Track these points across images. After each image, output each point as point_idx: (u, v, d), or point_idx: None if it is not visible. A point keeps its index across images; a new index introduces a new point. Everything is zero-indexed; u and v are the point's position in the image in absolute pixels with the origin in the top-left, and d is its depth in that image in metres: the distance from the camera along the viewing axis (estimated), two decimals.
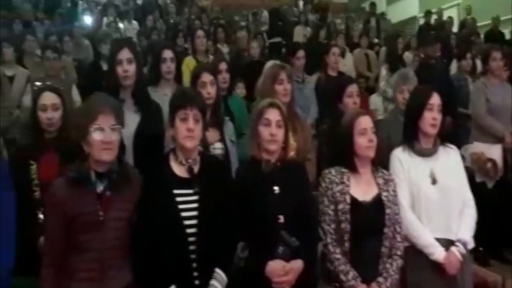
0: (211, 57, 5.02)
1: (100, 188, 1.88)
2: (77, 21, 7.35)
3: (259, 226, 2.05)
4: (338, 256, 2.16)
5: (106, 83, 2.74)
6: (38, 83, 3.19)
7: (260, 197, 2.09)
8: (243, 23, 9.67)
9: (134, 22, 8.30)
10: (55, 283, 1.84)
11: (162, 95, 3.02)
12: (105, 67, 4.74)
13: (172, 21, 9.01)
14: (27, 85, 4.03)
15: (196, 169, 2.03)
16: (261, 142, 2.18)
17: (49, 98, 2.49)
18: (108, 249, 1.86)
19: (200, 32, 5.02)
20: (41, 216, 2.38)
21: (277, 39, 8.71)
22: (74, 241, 1.84)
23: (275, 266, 2.01)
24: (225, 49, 6.47)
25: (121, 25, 7.93)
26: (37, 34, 5.43)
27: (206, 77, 2.73)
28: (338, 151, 2.34)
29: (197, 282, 1.93)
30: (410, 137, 2.46)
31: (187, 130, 1.97)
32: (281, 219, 2.08)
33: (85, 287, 1.83)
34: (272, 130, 2.15)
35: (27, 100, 3.83)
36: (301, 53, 4.46)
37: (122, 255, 1.90)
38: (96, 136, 1.84)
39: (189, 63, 4.49)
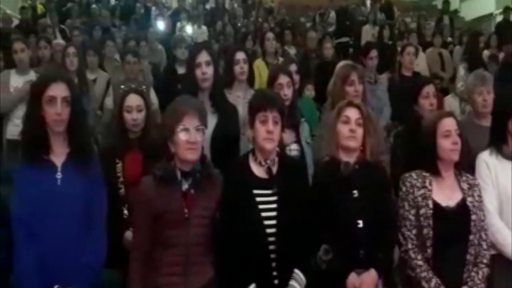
0: (280, 59, 5.04)
1: (185, 186, 1.94)
2: (151, 27, 7.66)
3: (339, 230, 2.04)
4: (420, 262, 2.10)
5: (184, 86, 2.83)
6: (122, 86, 3.37)
7: (339, 201, 2.08)
8: (308, 24, 9.66)
9: (203, 27, 8.51)
10: (142, 276, 1.92)
11: (235, 97, 3.09)
12: (180, 70, 4.96)
13: (239, 24, 9.16)
14: (108, 88, 4.26)
15: (274, 170, 2.05)
16: (339, 140, 2.17)
17: (134, 100, 2.61)
18: (192, 245, 1.92)
19: (269, 34, 5.06)
20: (125, 212, 2.51)
21: (345, 39, 8.63)
22: (161, 237, 1.91)
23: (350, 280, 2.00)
24: (292, 50, 6.47)
25: (189, 30, 8.14)
26: (114, 39, 5.70)
27: (283, 79, 2.75)
28: (419, 154, 2.27)
29: (276, 281, 1.95)
30: (498, 140, 2.34)
31: (267, 132, 1.99)
32: (360, 224, 2.05)
33: (170, 281, 1.90)
34: (351, 127, 2.14)
35: (109, 102, 4.05)
36: (373, 52, 4.36)
37: (205, 252, 1.96)
38: (181, 136, 1.90)
39: (259, 65, 4.54)
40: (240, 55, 3.19)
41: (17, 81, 3.89)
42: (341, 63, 3.69)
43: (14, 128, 3.73)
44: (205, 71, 2.63)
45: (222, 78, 3.02)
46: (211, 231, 1.98)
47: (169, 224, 1.90)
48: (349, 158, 2.17)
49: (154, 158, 2.31)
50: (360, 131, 2.17)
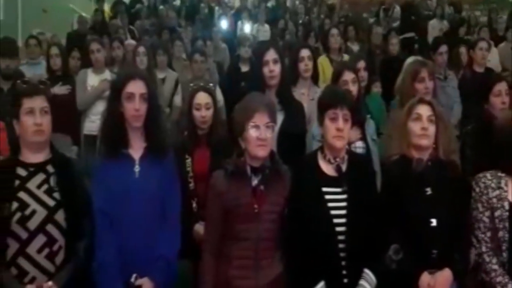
0: (344, 55, 4.98)
1: (254, 182, 1.98)
2: (214, 26, 7.82)
3: (411, 229, 2.00)
4: (495, 267, 2.02)
5: (250, 83, 2.87)
6: (191, 84, 3.46)
7: (411, 199, 2.04)
8: (371, 20, 9.45)
9: (266, 25, 8.57)
10: (214, 268, 1.98)
11: (299, 95, 3.09)
12: (243, 68, 5.04)
13: (301, 21, 9.13)
14: (176, 86, 4.41)
15: (344, 167, 2.05)
16: (411, 138, 2.12)
17: (202, 98, 2.69)
18: (262, 240, 1.95)
19: (334, 30, 4.98)
20: (194, 205, 2.60)
21: (410, 35, 8.35)
22: (231, 230, 1.97)
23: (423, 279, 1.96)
24: (355, 47, 6.37)
25: (250, 29, 8.22)
26: (182, 39, 5.88)
27: (348, 76, 2.73)
28: (494, 154, 2.18)
29: (345, 280, 1.95)
30: None
31: (337, 130, 1.99)
32: (434, 222, 2.00)
33: (240, 274, 1.94)
34: (423, 124, 2.09)
35: (177, 100, 4.20)
36: (443, 48, 4.21)
37: (274, 247, 1.99)
38: (252, 133, 1.94)
39: (322, 62, 4.50)
40: (305, 52, 3.21)
41: (94, 80, 4.09)
42: (410, 59, 3.59)
43: (90, 124, 3.97)
44: (273, 68, 2.66)
45: (288, 76, 3.04)
46: (279, 227, 2.01)
47: (239, 218, 1.95)
48: (422, 156, 2.11)
49: (221, 154, 2.40)
50: (432, 129, 2.11)
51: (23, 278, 1.85)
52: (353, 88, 2.69)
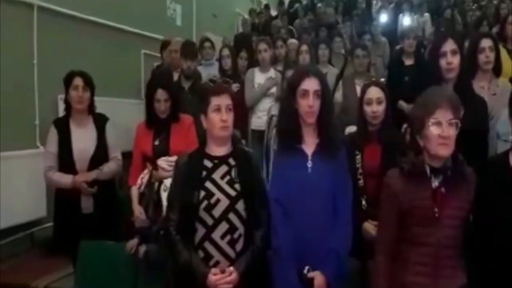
0: None
1: (435, 183, 1.85)
2: (373, 20, 7.61)
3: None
4: None
5: (427, 77, 2.70)
6: (357, 80, 3.42)
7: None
8: None
9: (426, 14, 8.08)
10: (388, 271, 1.90)
11: (479, 88, 2.83)
12: (407, 62, 4.80)
13: (467, 9, 8.36)
14: (337, 82, 4.39)
15: None
16: None
17: (374, 92, 2.62)
18: (443, 247, 1.82)
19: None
20: (364, 203, 2.54)
21: None
22: (409, 233, 1.86)
23: None
24: None
25: (408, 21, 7.81)
26: (341, 35, 5.84)
27: None
28: None
29: None
30: None
31: None
32: None
33: (419, 281, 1.83)
34: None
35: (338, 96, 4.18)
36: None
37: (456, 255, 1.84)
38: (433, 130, 1.81)
39: (502, 52, 4.04)
40: (486, 43, 2.93)
41: (260, 78, 4.30)
42: None
43: (257, 120, 4.18)
44: (451, 60, 2.48)
45: (468, 68, 2.79)
46: (462, 234, 1.85)
47: (417, 221, 1.84)
48: None
49: (393, 151, 2.30)
50: None
51: (208, 261, 2.00)
52: None
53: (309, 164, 2.08)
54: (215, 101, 2.05)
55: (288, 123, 2.12)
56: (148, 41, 5.77)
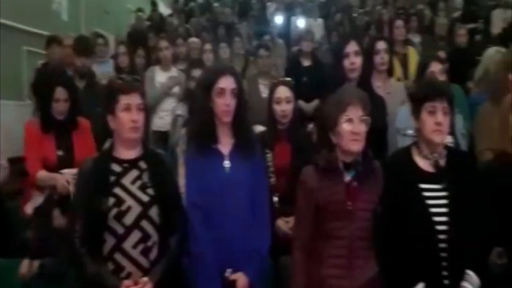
0: (408, 47, 4.79)
1: (347, 178, 1.91)
2: (267, 22, 7.78)
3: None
4: None
5: (331, 77, 2.81)
6: (260, 80, 3.43)
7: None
8: (427, 11, 9.10)
9: (319, 20, 8.44)
10: (305, 266, 1.92)
11: (375, 88, 3.00)
12: (305, 63, 4.96)
13: (355, 15, 8.92)
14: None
15: (442, 163, 1.94)
16: None
17: (283, 91, 2.65)
18: (356, 239, 1.88)
19: (399, 22, 4.80)
20: (275, 199, 2.55)
21: (472, 25, 8.00)
22: (324, 228, 1.90)
23: None
24: (416, 38, 6.14)
25: (303, 23, 8.11)
26: (241, 35, 5.86)
27: (435, 66, 2.62)
28: None
29: (446, 282, 1.84)
30: None
31: (436, 124, 1.89)
32: None
33: (334, 273, 1.87)
34: None
35: None
36: None
37: (368, 246, 1.91)
38: (345, 126, 1.87)
39: None
40: (381, 45, 3.14)
41: (161, 77, 4.15)
42: (492, 50, 3.39)
43: (159, 120, 4.01)
44: (354, 61, 2.61)
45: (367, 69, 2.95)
46: (373, 225, 1.93)
47: (332, 216, 1.88)
48: None
49: (303, 149, 2.33)
50: None
51: (120, 273, 1.85)
52: (442, 80, 2.57)
53: (227, 164, 2.03)
54: (124, 99, 1.89)
55: (203, 122, 2.04)
56: (31, 36, 5.24)
